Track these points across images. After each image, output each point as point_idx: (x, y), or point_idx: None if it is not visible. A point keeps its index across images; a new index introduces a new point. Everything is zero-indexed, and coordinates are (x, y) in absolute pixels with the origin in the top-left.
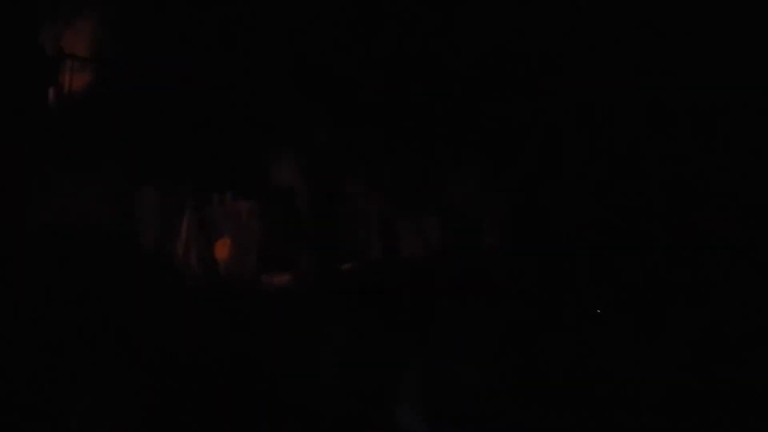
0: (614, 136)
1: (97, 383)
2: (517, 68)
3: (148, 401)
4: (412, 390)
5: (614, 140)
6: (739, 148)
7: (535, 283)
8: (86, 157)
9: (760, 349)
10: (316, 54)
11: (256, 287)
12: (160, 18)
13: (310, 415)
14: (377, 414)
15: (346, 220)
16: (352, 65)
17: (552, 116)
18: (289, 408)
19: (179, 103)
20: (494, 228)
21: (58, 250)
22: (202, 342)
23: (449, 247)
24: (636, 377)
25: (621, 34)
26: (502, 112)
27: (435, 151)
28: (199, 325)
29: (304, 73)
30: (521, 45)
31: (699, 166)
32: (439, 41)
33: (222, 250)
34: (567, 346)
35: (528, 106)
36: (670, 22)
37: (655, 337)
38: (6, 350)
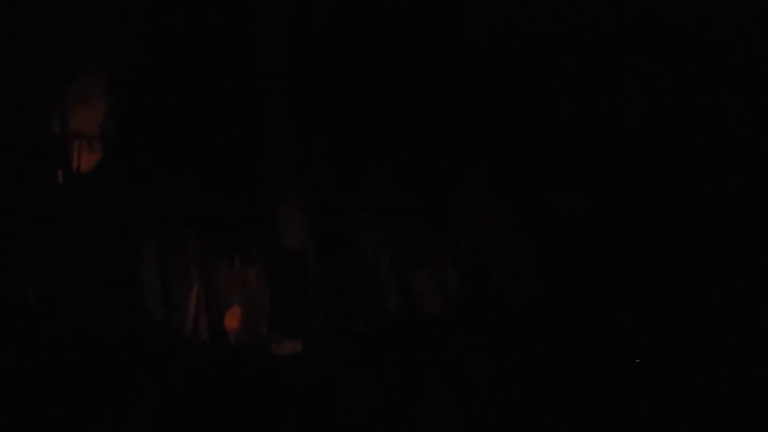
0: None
1: None
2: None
3: None
4: None
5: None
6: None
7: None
8: (90, 227)
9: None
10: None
11: (268, 356)
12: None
13: None
14: None
15: (358, 277)
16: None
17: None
18: None
19: (183, 169)
20: (519, 274)
21: (57, 325)
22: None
23: (469, 297)
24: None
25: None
26: (522, 149)
27: (449, 194)
28: (211, 404)
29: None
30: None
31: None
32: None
33: (232, 319)
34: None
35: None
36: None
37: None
38: None
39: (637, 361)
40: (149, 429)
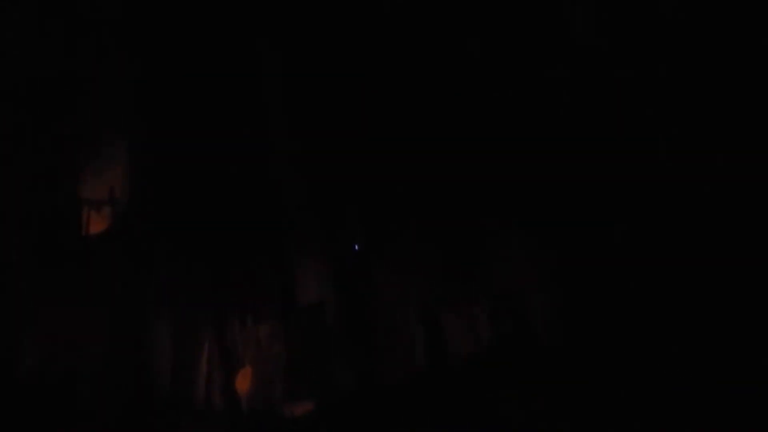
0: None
1: None
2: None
3: None
4: None
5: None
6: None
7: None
8: (95, 290)
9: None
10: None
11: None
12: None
13: None
14: None
15: (383, 327)
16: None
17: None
18: None
19: (194, 227)
20: (553, 316)
21: (55, 401)
22: None
23: (502, 342)
24: None
25: None
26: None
27: (478, 236)
28: None
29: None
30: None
31: None
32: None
33: (243, 381)
34: None
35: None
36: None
37: None
38: None
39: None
40: None
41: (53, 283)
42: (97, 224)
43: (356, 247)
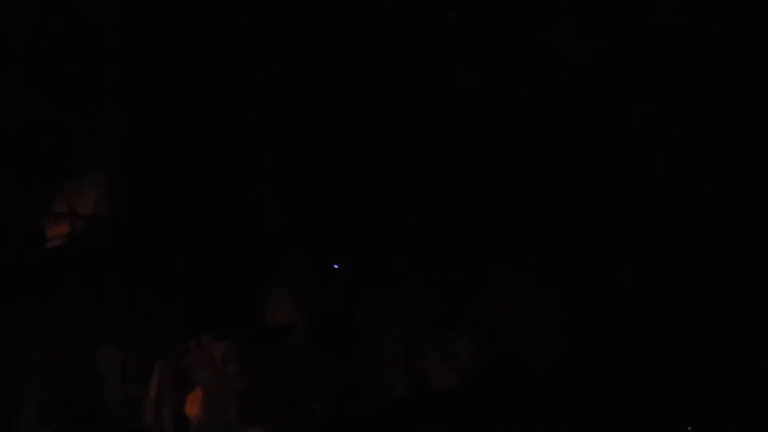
0: None
1: None
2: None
3: None
4: None
5: None
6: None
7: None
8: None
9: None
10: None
11: None
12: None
13: None
14: None
15: (359, 352)
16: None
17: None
18: None
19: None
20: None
21: None
22: None
23: (485, 370)
24: None
25: None
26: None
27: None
28: None
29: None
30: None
31: None
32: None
33: (194, 405)
34: None
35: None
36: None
37: None
38: None
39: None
40: None
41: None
42: (55, 240)
43: (336, 266)
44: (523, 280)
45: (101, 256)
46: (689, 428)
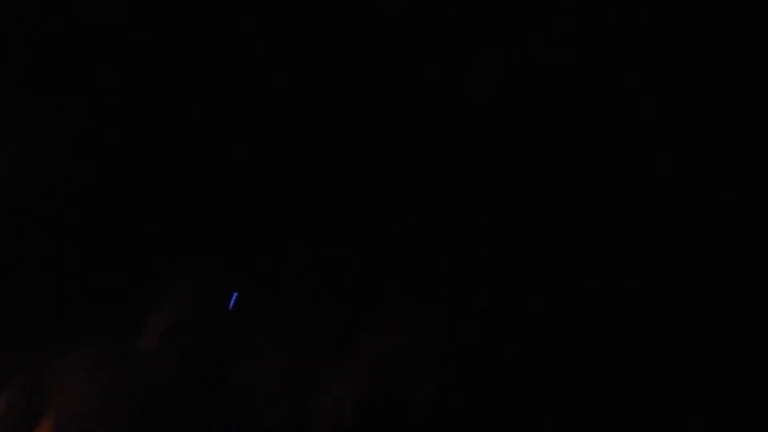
0: None
1: None
2: None
3: None
4: None
5: None
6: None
7: None
8: None
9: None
10: None
11: None
12: None
13: None
14: None
15: (239, 385)
16: None
17: None
18: None
19: None
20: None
21: None
22: None
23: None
24: None
25: None
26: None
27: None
28: None
29: None
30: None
31: None
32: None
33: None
34: None
35: None
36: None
37: None
38: None
39: None
40: None
41: None
42: None
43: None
44: (414, 313)
45: None
46: None
